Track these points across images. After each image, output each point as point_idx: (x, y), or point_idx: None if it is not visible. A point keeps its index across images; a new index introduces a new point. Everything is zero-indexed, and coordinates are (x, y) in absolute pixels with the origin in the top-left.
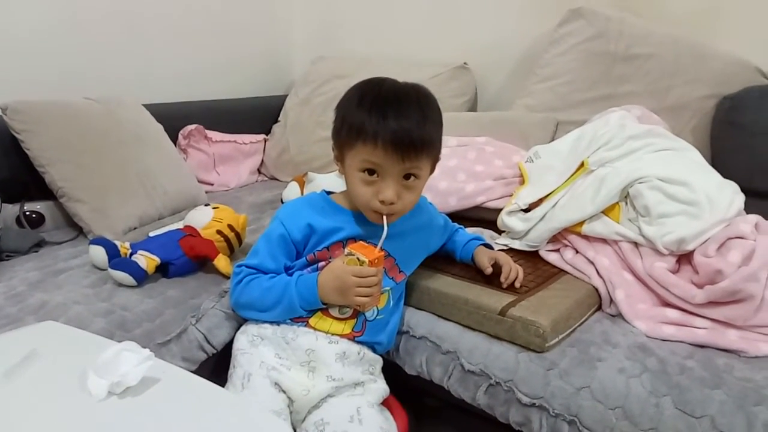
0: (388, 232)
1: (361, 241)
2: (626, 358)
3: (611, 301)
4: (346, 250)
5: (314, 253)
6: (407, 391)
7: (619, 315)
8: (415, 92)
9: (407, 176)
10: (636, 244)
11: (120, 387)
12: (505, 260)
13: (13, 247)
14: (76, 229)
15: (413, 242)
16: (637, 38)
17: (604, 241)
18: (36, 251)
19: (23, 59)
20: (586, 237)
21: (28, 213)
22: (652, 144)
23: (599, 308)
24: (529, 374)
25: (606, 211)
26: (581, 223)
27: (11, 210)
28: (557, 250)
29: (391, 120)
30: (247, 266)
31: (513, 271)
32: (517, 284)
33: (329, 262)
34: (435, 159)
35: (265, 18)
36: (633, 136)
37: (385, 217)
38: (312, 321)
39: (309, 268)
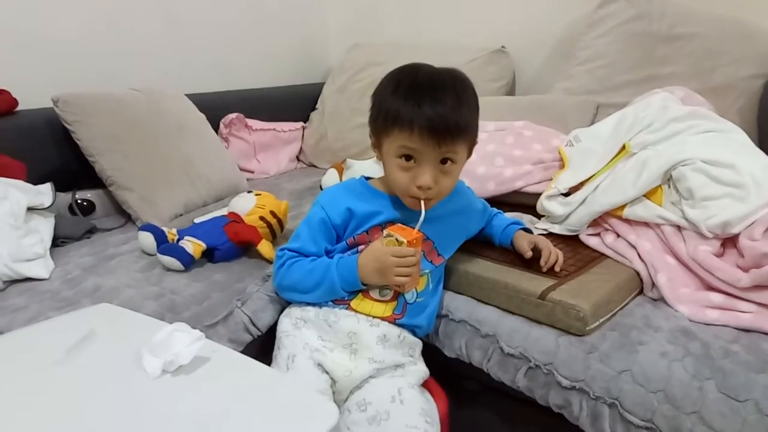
0: (425, 215)
1: (399, 224)
2: (668, 342)
3: (653, 285)
4: (385, 232)
5: (354, 237)
6: (446, 374)
7: (661, 299)
8: (451, 77)
9: (444, 161)
10: (679, 228)
11: (173, 365)
12: (545, 244)
13: (67, 233)
14: (125, 217)
15: (451, 226)
16: (680, 18)
17: (646, 224)
18: (88, 237)
19: (71, 55)
20: (627, 221)
21: (79, 201)
22: (696, 126)
23: (641, 292)
24: (569, 357)
25: (648, 195)
26: (622, 206)
27: (64, 198)
28: (598, 234)
29: (426, 106)
30: (290, 250)
31: (553, 255)
32: (557, 268)
33: (368, 245)
34: (472, 143)
35: (301, 7)
36: (676, 118)
37: (422, 202)
38: (353, 303)
39: (349, 252)
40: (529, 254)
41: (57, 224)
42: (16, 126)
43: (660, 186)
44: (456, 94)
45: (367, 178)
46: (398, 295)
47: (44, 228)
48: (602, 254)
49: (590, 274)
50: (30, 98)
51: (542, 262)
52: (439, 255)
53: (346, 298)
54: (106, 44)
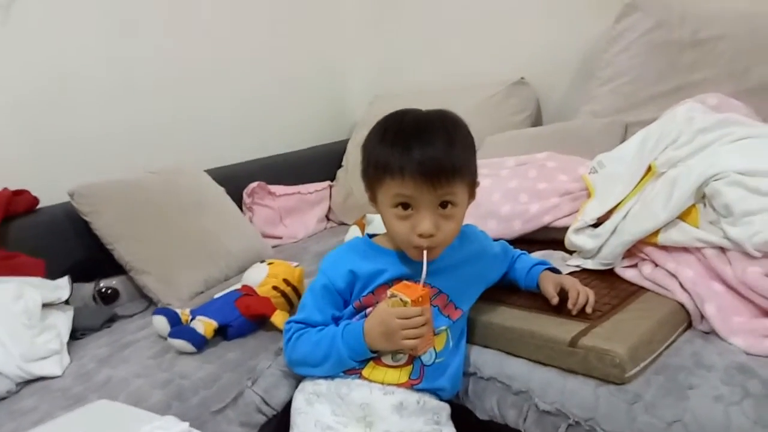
0: (430, 268)
1: (405, 281)
2: (723, 383)
3: (702, 316)
4: (389, 292)
5: (360, 300)
6: None
7: (713, 332)
8: (440, 118)
9: (444, 205)
10: (722, 249)
11: None
12: (572, 284)
13: (86, 324)
14: (148, 300)
15: (466, 275)
16: (703, 21)
17: (685, 249)
18: (109, 326)
19: (91, 147)
20: (664, 247)
21: (103, 289)
22: (728, 134)
23: (689, 326)
24: (610, 410)
25: (683, 216)
26: (656, 232)
27: (87, 288)
28: (634, 266)
29: (415, 150)
30: (296, 321)
31: (582, 295)
32: (588, 309)
33: (376, 306)
34: (472, 184)
35: (322, 68)
36: (703, 128)
37: (424, 253)
38: (365, 372)
39: (357, 316)
40: (555, 300)
41: (76, 316)
42: (36, 223)
43: (694, 205)
44: (447, 134)
45: (372, 236)
46: (414, 358)
47: (62, 322)
48: (641, 287)
49: (627, 312)
50: (52, 194)
51: (570, 305)
52: (456, 308)
53: (357, 368)
54: (125, 132)
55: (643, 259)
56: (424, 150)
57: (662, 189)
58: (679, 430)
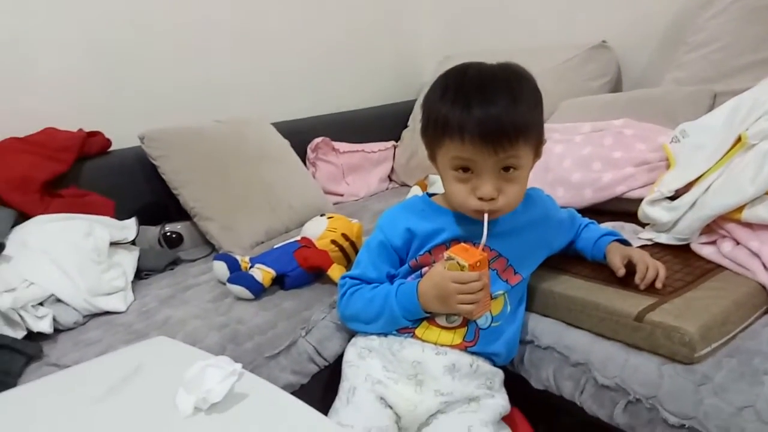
0: (491, 231)
1: (463, 243)
2: None
3: None
4: (446, 254)
5: (416, 259)
6: (540, 406)
7: None
8: (504, 72)
9: (506, 168)
10: None
11: (206, 403)
12: (640, 257)
13: (150, 266)
14: (210, 246)
15: (527, 240)
16: None
17: None
18: (172, 269)
19: (163, 93)
20: (748, 225)
21: (168, 233)
22: None
23: None
24: (675, 390)
25: None
26: (741, 208)
27: (153, 231)
28: (713, 242)
29: (476, 108)
30: (351, 277)
31: (651, 269)
32: (658, 284)
33: (431, 267)
34: (537, 144)
35: (391, 25)
36: None
37: (486, 215)
38: (418, 331)
39: (413, 275)
40: (621, 272)
41: (141, 257)
42: (108, 165)
43: None
44: (510, 90)
45: (431, 195)
46: (468, 321)
47: (128, 262)
48: (719, 266)
49: (701, 290)
50: (126, 138)
51: (637, 279)
52: (516, 273)
53: (410, 327)
54: (196, 83)
55: (723, 236)
56: (485, 109)
57: (752, 162)
58: (750, 417)
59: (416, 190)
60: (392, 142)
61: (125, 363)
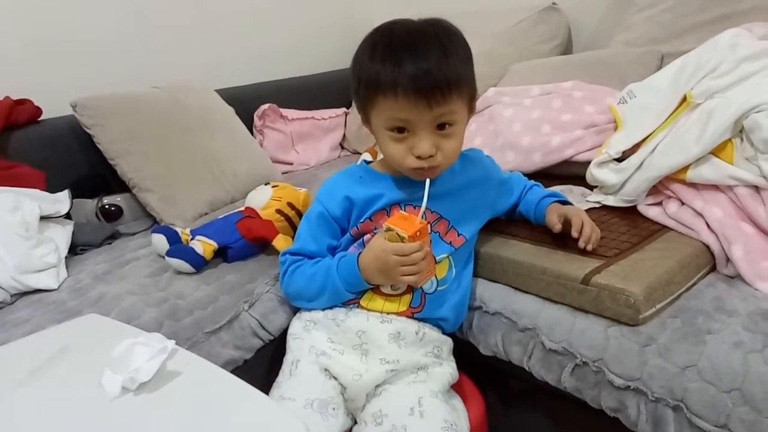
0: (432, 192)
1: (401, 212)
2: (744, 329)
3: (727, 259)
4: (384, 225)
5: (357, 227)
6: (489, 372)
7: (738, 276)
8: (432, 28)
9: (441, 126)
10: (757, 189)
11: (134, 383)
12: (575, 213)
13: (86, 240)
14: (152, 219)
15: (468, 200)
16: None
17: (715, 188)
18: (110, 243)
19: (98, 58)
20: (692, 185)
21: (106, 206)
22: None
23: (713, 270)
24: (621, 352)
25: (716, 152)
26: (686, 168)
27: (90, 204)
28: (659, 204)
29: (407, 64)
30: (291, 253)
31: (587, 224)
32: (590, 246)
33: (374, 233)
34: (470, 98)
35: None
36: (748, 56)
37: (427, 181)
38: (363, 301)
39: (355, 244)
40: (557, 228)
41: (76, 231)
42: (40, 135)
43: (730, 140)
44: (440, 45)
45: (369, 163)
46: (413, 287)
47: (60, 236)
48: (664, 226)
49: (647, 251)
50: (59, 106)
51: (574, 233)
52: (459, 235)
53: (354, 298)
54: (134, 44)
55: (669, 197)
56: (417, 64)
57: (697, 121)
58: (693, 376)
59: (366, 157)
60: (343, 109)
61: (53, 342)
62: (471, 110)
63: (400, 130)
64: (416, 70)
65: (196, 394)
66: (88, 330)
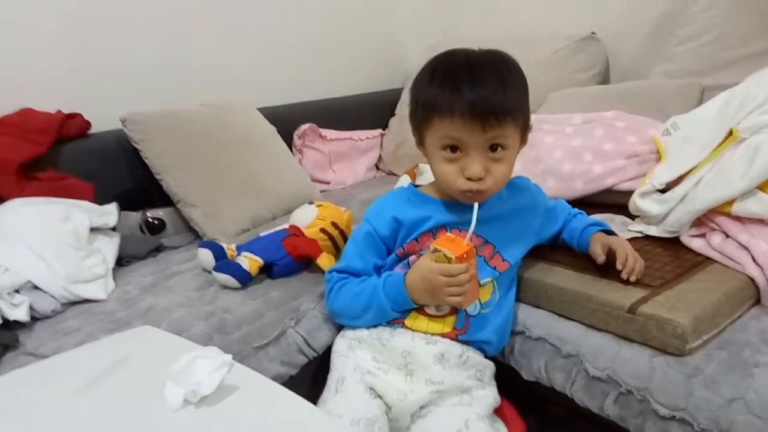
0: (479, 216)
1: (448, 234)
2: None
3: None
4: (432, 246)
5: (403, 247)
6: (529, 397)
7: None
8: (491, 58)
9: (493, 148)
10: None
11: (195, 396)
12: (620, 244)
13: (132, 252)
14: (194, 234)
15: (514, 226)
16: None
17: (761, 221)
18: (154, 256)
19: (144, 76)
20: (738, 218)
21: (150, 220)
22: None
23: (757, 302)
24: (666, 382)
25: (763, 186)
26: (731, 201)
27: (134, 217)
28: (702, 236)
29: (465, 91)
30: (337, 271)
31: (630, 256)
32: (635, 276)
33: (420, 255)
34: (524, 128)
35: (375, 11)
36: None
37: (476, 206)
38: (407, 321)
39: (400, 264)
40: (601, 258)
41: (123, 244)
42: (88, 148)
43: None
44: (499, 74)
45: (417, 186)
46: (457, 309)
47: (108, 248)
48: (708, 258)
49: (692, 282)
50: (107, 120)
51: (618, 265)
52: (504, 260)
53: (399, 317)
54: (179, 63)
55: (713, 229)
56: (475, 91)
57: (743, 156)
58: (740, 408)
59: (405, 179)
60: (379, 130)
61: (110, 352)
62: (523, 140)
63: (453, 149)
64: (474, 96)
65: (256, 408)
66: (144, 341)
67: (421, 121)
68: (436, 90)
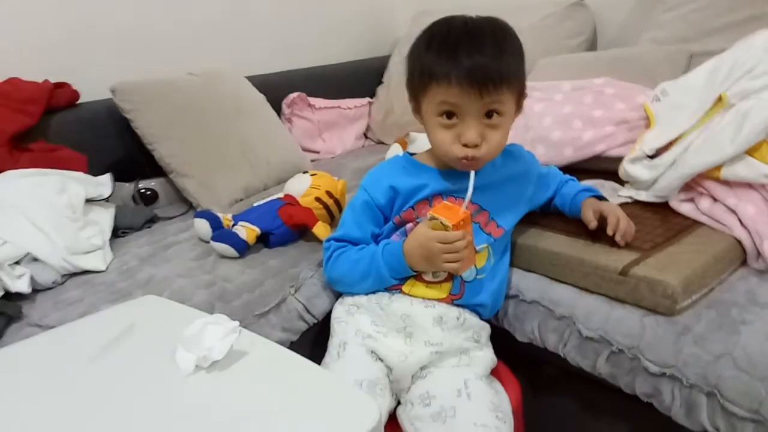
0: (475, 184)
1: (444, 202)
2: None
3: (758, 254)
4: (429, 214)
5: (400, 215)
6: (521, 358)
7: None
8: (489, 24)
9: (489, 114)
10: None
11: (207, 361)
12: (611, 210)
13: (127, 223)
14: (187, 204)
15: (508, 193)
16: None
17: (748, 185)
18: (149, 227)
19: (132, 44)
20: (726, 182)
21: (142, 190)
22: None
23: (744, 264)
24: (657, 340)
25: (750, 151)
26: (719, 166)
27: (127, 188)
28: (691, 200)
29: (463, 57)
30: (335, 239)
31: (622, 220)
32: (625, 239)
33: (416, 222)
34: (519, 94)
35: None
36: None
37: (472, 173)
38: (405, 288)
39: (397, 232)
40: (593, 224)
41: (117, 215)
42: (78, 118)
43: (765, 140)
44: (495, 41)
45: (412, 154)
46: (453, 275)
47: (104, 219)
48: (696, 222)
49: (682, 245)
50: (94, 89)
51: (609, 230)
52: (498, 226)
53: (397, 284)
54: (166, 31)
55: (701, 194)
56: (472, 57)
57: (731, 122)
58: (728, 364)
59: (396, 147)
60: (368, 99)
61: (118, 321)
62: (519, 108)
63: (449, 115)
64: (471, 63)
65: (267, 372)
66: (150, 310)
67: (418, 87)
68: (434, 56)
